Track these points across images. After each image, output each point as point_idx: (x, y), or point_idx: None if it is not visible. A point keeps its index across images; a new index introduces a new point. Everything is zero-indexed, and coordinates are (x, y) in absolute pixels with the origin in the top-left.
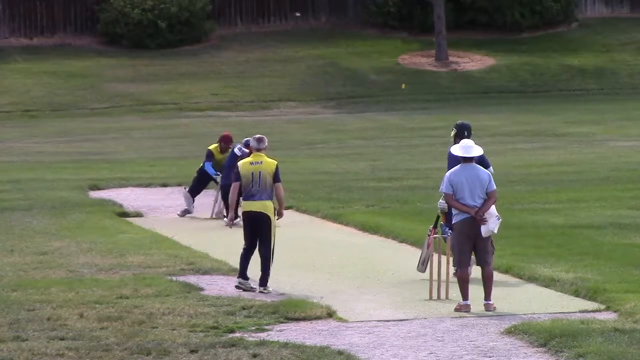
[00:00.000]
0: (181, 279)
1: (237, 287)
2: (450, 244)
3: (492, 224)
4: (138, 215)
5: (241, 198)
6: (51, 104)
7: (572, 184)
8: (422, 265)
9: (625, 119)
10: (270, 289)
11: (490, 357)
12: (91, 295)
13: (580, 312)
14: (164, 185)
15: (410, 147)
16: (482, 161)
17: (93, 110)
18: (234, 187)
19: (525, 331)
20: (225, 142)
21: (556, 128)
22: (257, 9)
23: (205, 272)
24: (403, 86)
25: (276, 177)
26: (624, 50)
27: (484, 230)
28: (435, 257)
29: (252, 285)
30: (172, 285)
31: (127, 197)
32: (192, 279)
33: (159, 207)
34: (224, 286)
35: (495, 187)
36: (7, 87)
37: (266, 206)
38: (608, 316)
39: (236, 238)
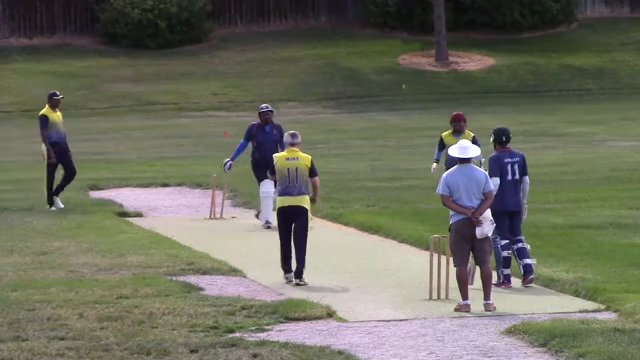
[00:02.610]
0: (181, 279)
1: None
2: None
3: (486, 227)
4: (138, 215)
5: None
6: None
7: (572, 184)
8: (471, 277)
9: (625, 119)
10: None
11: (490, 357)
12: (91, 295)
13: (580, 312)
14: (164, 185)
15: (410, 147)
16: (524, 168)
17: (93, 110)
18: (270, 177)
19: (525, 331)
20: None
21: (556, 128)
22: (257, 9)
23: (205, 272)
24: (403, 86)
25: (312, 171)
26: (624, 50)
27: (478, 232)
28: (435, 257)
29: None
30: (172, 285)
31: (127, 197)
32: (192, 279)
33: (159, 207)
34: (224, 286)
35: (492, 187)
36: (7, 87)
37: (303, 199)
38: (608, 316)
39: (236, 238)
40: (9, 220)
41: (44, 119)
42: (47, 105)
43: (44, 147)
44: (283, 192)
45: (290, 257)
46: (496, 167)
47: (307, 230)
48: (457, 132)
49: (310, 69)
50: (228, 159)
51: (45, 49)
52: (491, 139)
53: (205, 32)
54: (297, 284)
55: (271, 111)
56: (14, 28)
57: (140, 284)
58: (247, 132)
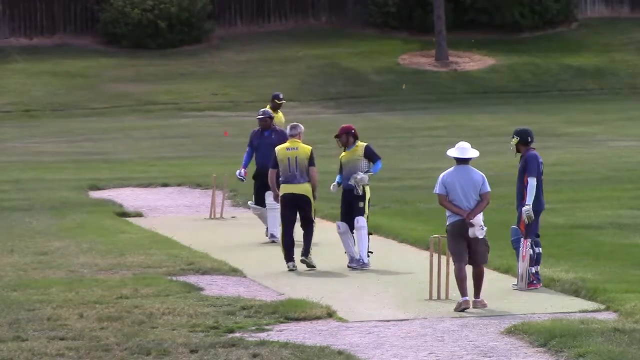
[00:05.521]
0: (181, 279)
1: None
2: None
3: (477, 231)
4: (138, 215)
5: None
6: (51, 104)
7: (572, 184)
8: (522, 281)
9: (625, 119)
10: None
11: (490, 357)
12: (91, 295)
13: (580, 312)
14: (164, 185)
15: (410, 147)
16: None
17: (93, 110)
18: (271, 173)
19: (525, 331)
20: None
21: (556, 128)
22: (257, 9)
23: (205, 272)
24: (403, 86)
25: (311, 161)
26: (624, 50)
27: (470, 233)
28: (435, 257)
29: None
30: (172, 285)
31: (127, 197)
32: (192, 279)
33: (159, 207)
34: (224, 286)
35: (489, 188)
36: (7, 87)
37: (306, 189)
38: (608, 316)
39: (236, 238)
40: (9, 220)
41: None
42: (268, 106)
43: None
44: (286, 180)
45: (292, 245)
46: (537, 166)
47: (312, 219)
48: (346, 146)
49: (310, 69)
50: (239, 170)
51: (45, 49)
52: (513, 140)
53: (205, 32)
54: (303, 261)
55: (270, 117)
56: (14, 28)
57: (140, 284)
58: (249, 139)
